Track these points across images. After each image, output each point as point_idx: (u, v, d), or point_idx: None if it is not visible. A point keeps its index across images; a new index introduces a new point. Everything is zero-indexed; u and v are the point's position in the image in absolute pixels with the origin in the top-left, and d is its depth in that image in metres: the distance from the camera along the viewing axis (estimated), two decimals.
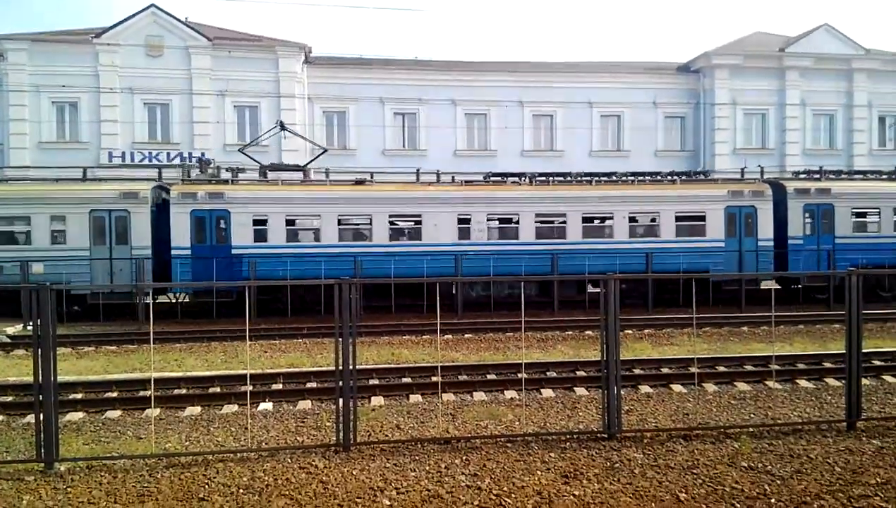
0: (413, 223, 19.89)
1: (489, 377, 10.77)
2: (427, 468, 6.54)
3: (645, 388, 10.06)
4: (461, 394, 9.78)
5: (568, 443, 7.27)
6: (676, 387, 10.10)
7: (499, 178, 21.22)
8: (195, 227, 18.86)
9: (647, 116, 33.70)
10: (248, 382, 8.28)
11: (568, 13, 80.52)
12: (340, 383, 7.02)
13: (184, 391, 9.95)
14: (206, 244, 18.94)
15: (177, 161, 29.11)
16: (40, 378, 6.54)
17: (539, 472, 6.43)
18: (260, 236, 19.10)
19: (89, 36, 29.39)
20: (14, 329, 16.12)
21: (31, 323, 14.96)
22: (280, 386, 10.26)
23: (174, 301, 19.90)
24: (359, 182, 20.21)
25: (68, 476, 6.44)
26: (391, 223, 19.73)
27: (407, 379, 10.63)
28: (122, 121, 29.63)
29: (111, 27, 29.54)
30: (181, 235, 18.76)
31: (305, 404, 9.29)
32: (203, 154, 29.72)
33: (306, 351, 13.62)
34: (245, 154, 20.88)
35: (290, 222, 19.39)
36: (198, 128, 30.23)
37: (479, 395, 9.70)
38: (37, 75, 29.03)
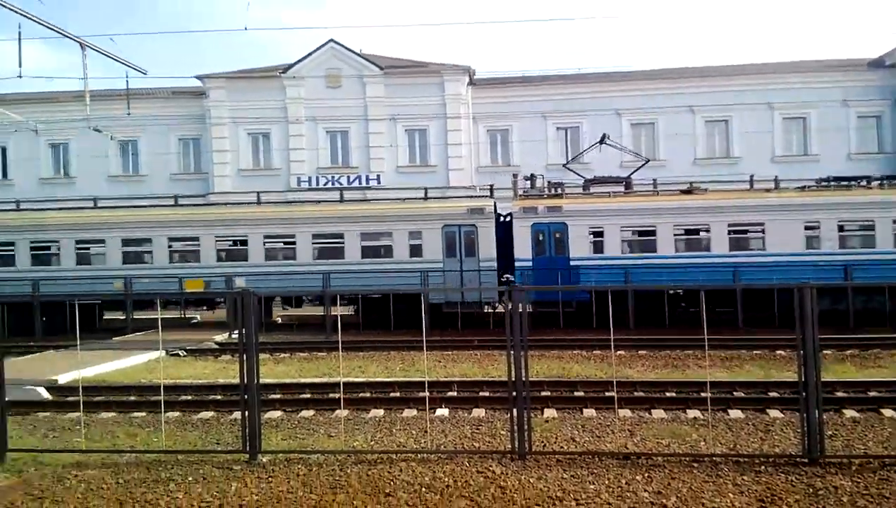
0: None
1: (668, 394, 10.32)
2: (606, 482, 6.40)
3: (850, 413, 9.09)
4: (638, 411, 9.45)
5: (763, 466, 6.76)
6: (887, 412, 9.02)
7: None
8: (535, 240, 19.69)
9: (837, 117, 30.64)
10: (426, 389, 8.62)
11: (727, 14, 75.75)
12: (514, 393, 7.09)
13: (368, 395, 10.58)
14: (545, 256, 19.68)
15: (356, 183, 31.19)
16: (245, 379, 7.21)
17: (731, 495, 6.04)
18: (597, 247, 19.60)
19: (277, 72, 32.44)
20: (221, 337, 18.06)
21: (235, 332, 16.68)
22: (454, 394, 10.57)
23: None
24: (687, 191, 20.22)
25: (269, 466, 7.06)
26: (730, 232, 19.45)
27: (580, 393, 10.48)
28: (307, 149, 32.28)
29: (295, 62, 32.39)
30: (523, 247, 19.68)
31: (479, 412, 9.49)
32: (378, 176, 31.61)
33: (477, 362, 13.91)
34: (568, 168, 21.98)
35: (624, 232, 19.71)
36: (373, 152, 32.13)
37: (659, 413, 9.32)
38: (234, 109, 32.52)
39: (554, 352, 14.59)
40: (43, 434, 8.78)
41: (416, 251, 20.07)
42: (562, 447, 7.75)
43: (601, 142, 22.70)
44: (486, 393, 10.57)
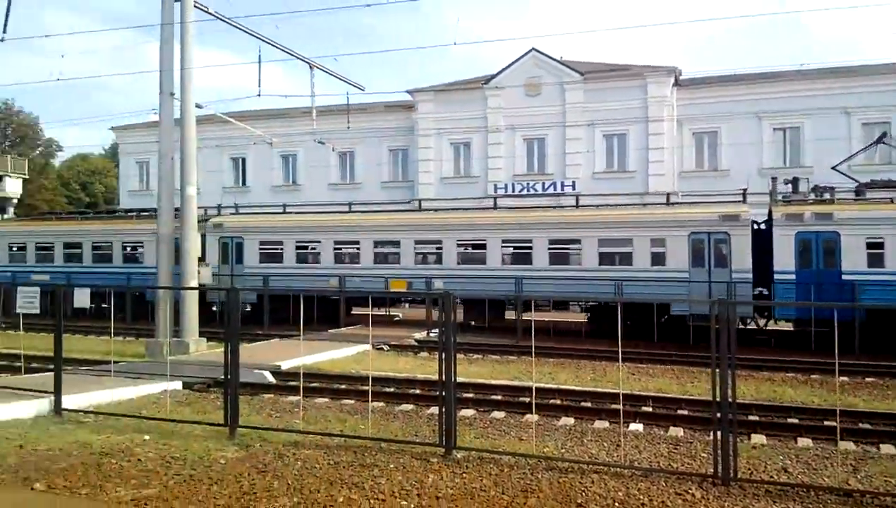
0: None
1: None
2: None
3: None
4: (864, 445, 8.40)
5: None
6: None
7: None
8: (799, 250, 17.91)
9: None
10: (621, 401, 8.39)
11: None
12: (718, 413, 6.66)
13: (558, 402, 10.56)
14: (811, 268, 17.82)
15: (550, 190, 31.22)
16: (444, 377, 7.51)
17: None
18: (874, 260, 17.41)
19: (480, 83, 33.52)
20: (420, 334, 19.06)
21: (434, 331, 17.50)
22: (649, 409, 10.18)
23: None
24: None
25: (464, 462, 7.28)
26: None
27: (793, 420, 9.56)
28: (504, 157, 32.98)
29: (497, 73, 33.23)
30: (784, 259, 17.91)
31: (677, 431, 9.04)
32: (573, 182, 31.35)
33: (675, 377, 13.25)
34: (839, 171, 20.19)
35: None
36: (569, 158, 31.97)
37: (888, 448, 8.21)
38: (439, 121, 34.18)
39: (764, 374, 13.45)
40: (267, 414, 9.83)
41: (657, 259, 19.15)
42: (771, 476, 7.13)
43: (878, 141, 20.29)
44: (685, 412, 10.03)
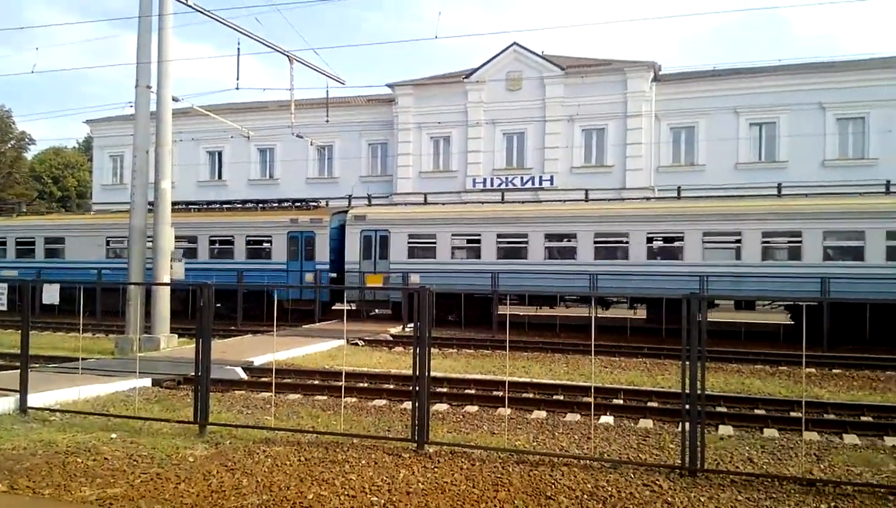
0: None
1: (864, 418, 9.23)
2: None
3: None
4: (828, 435, 8.55)
5: None
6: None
7: None
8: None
9: None
10: (592, 394, 8.45)
11: None
12: (686, 405, 6.74)
13: (531, 395, 10.62)
14: None
15: (529, 185, 31.31)
16: (417, 371, 7.51)
17: None
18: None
19: (461, 77, 33.47)
20: (395, 329, 19.05)
21: (409, 325, 17.48)
22: (620, 402, 10.27)
23: None
24: None
25: (435, 457, 7.29)
26: None
27: (760, 411, 9.71)
28: (484, 151, 33.00)
29: (478, 67, 33.20)
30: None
31: (647, 423, 9.13)
32: (552, 177, 31.48)
33: (647, 370, 13.38)
34: None
35: None
36: (548, 153, 32.06)
37: (851, 438, 8.37)
38: (419, 115, 34.09)
39: (733, 366, 13.64)
40: (238, 411, 9.75)
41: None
42: (737, 466, 7.23)
43: None
44: (655, 404, 10.14)
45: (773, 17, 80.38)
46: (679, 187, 21.21)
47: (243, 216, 24.19)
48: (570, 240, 20.33)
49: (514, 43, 32.57)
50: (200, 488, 6.29)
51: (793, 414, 9.15)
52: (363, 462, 7.12)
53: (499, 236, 20.90)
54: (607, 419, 9.33)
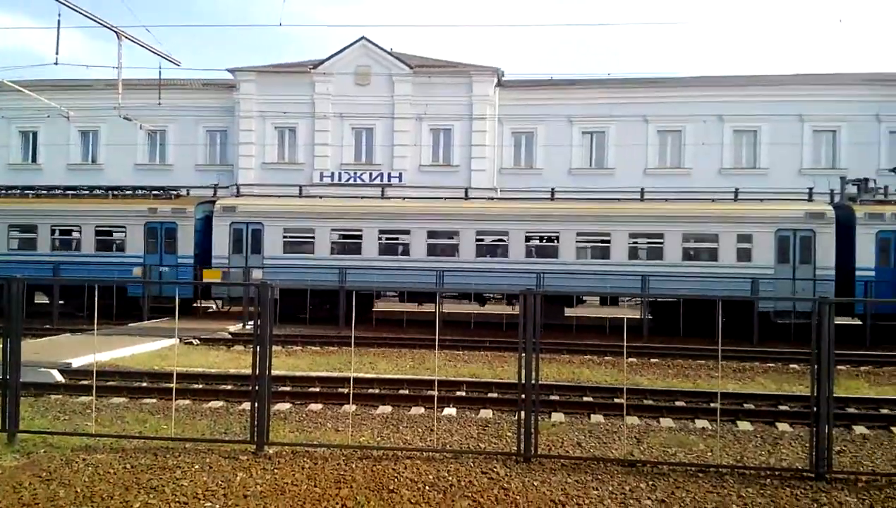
0: None
1: (678, 403, 10.23)
2: (610, 488, 6.35)
3: (860, 429, 8.94)
4: (647, 419, 9.38)
5: (768, 479, 6.67)
6: None
7: None
8: (879, 248, 18.70)
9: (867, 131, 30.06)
10: (436, 387, 8.60)
11: (761, 21, 74.64)
12: (522, 395, 7.08)
13: (377, 391, 10.62)
14: (890, 266, 18.66)
15: (377, 180, 31.25)
16: (257, 371, 7.23)
17: (735, 506, 5.97)
18: None
19: (308, 67, 32.67)
20: (235, 327, 18.23)
21: (250, 323, 16.80)
22: (463, 394, 10.57)
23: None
24: None
25: (276, 458, 7.08)
26: None
27: (588, 398, 10.43)
28: (332, 145, 32.47)
29: (326, 59, 32.59)
30: (865, 256, 18.72)
31: (487, 413, 9.47)
32: (400, 174, 31.66)
33: (488, 363, 13.89)
34: None
35: None
36: (397, 150, 32.23)
37: (667, 422, 9.23)
38: (263, 103, 32.80)
39: (565, 357, 14.55)
40: (54, 417, 8.92)
41: (743, 256, 19.29)
42: (567, 451, 7.72)
43: None
44: (495, 395, 10.56)
45: (607, 33, 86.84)
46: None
47: (92, 203, 21.96)
48: (452, 238, 20.59)
49: (363, 37, 32.36)
50: (10, 501, 5.71)
51: (617, 400, 9.90)
52: (196, 466, 6.76)
53: (381, 232, 20.68)
54: (450, 411, 9.56)
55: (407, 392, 10.61)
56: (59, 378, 11.27)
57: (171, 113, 31.43)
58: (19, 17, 77.62)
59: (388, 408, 9.64)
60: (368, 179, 31.50)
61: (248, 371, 7.39)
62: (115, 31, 18.05)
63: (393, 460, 7.10)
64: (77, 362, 12.05)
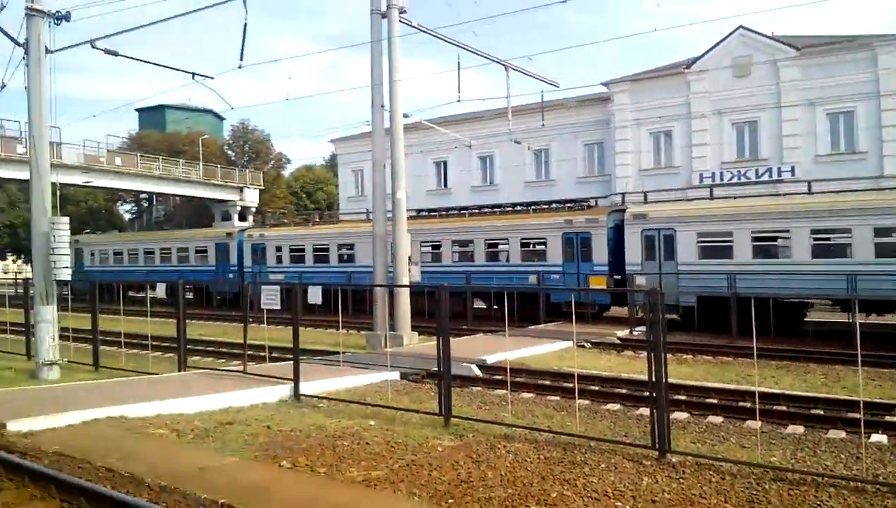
0: None
1: None
2: None
3: None
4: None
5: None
6: None
7: None
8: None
9: None
10: (861, 410, 7.49)
11: None
12: None
13: (784, 408, 9.73)
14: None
15: (765, 177, 28.74)
16: (654, 377, 7.25)
17: None
18: None
19: (682, 68, 31.76)
20: (622, 332, 18.56)
21: (636, 329, 16.96)
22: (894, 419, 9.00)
23: None
24: None
25: (679, 467, 6.97)
26: None
27: None
28: (710, 144, 30.95)
29: (701, 56, 31.26)
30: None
31: None
32: (792, 168, 28.60)
33: None
34: None
35: None
36: (786, 141, 29.20)
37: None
38: (637, 111, 32.96)
39: None
40: (477, 406, 10.21)
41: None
42: None
43: None
44: None
45: None
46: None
47: (517, 219, 24.34)
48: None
49: (741, 26, 30.14)
50: (451, 477, 6.69)
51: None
52: (603, 465, 7.05)
53: (812, 232, 18.17)
54: (880, 437, 8.23)
55: (821, 412, 9.46)
56: (478, 372, 12.89)
57: (552, 132, 33.76)
58: (427, 64, 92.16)
59: (800, 428, 8.74)
60: (755, 176, 29.14)
61: (640, 376, 7.47)
62: (504, 65, 20.17)
63: (814, 486, 6.41)
64: (491, 359, 13.66)
